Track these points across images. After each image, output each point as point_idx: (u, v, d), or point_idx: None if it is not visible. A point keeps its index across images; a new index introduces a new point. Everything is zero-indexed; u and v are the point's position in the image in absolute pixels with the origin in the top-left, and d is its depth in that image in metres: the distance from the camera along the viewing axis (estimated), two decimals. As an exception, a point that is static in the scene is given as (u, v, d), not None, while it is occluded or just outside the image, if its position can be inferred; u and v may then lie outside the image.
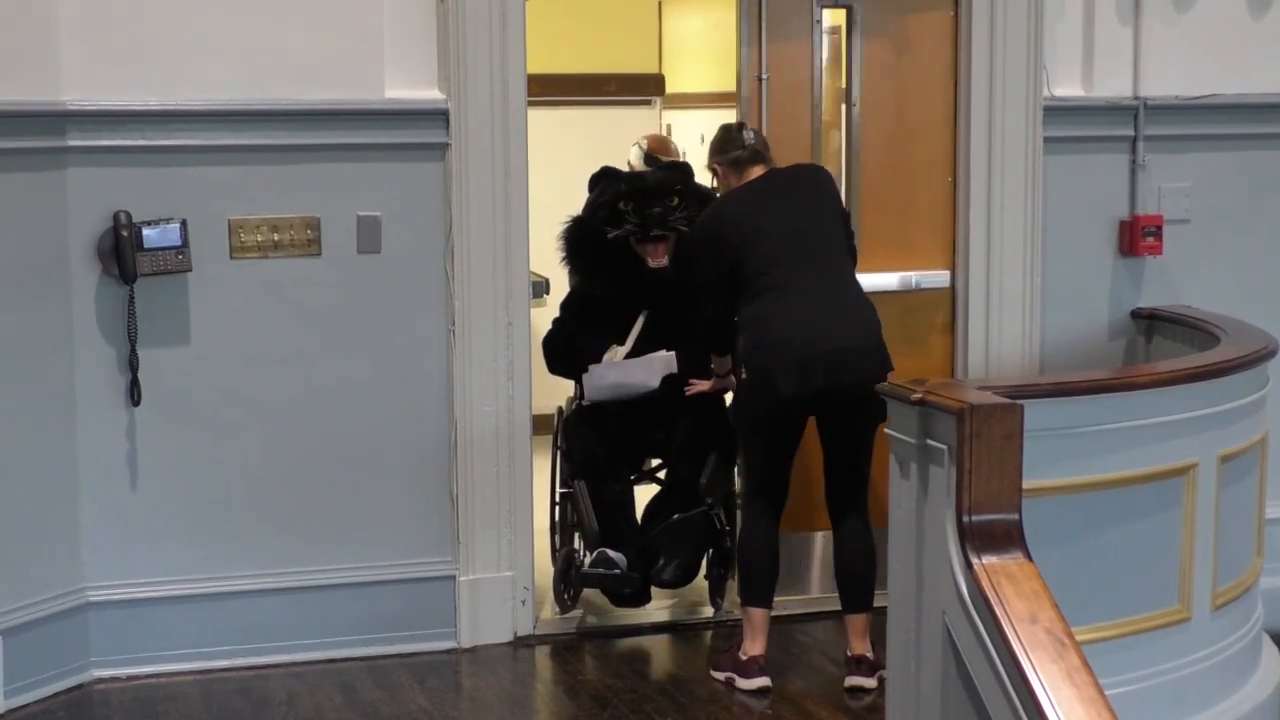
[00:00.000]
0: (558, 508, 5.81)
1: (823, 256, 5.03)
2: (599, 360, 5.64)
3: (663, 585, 5.46)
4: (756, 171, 5.17)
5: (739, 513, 5.46)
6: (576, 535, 5.66)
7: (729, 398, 5.54)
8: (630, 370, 5.60)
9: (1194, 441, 4.47)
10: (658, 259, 5.54)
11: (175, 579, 5.14)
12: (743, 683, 5.01)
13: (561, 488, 5.77)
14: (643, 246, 5.54)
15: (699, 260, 5.16)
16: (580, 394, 5.74)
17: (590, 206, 5.66)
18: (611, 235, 5.52)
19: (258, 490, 5.18)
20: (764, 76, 5.68)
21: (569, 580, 5.57)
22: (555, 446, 5.82)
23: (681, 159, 6.17)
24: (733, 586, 5.50)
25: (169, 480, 5.12)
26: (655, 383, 5.58)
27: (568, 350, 5.72)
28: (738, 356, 5.25)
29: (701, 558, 5.57)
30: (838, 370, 4.84)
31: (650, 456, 5.85)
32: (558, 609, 5.55)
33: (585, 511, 5.50)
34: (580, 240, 5.64)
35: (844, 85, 5.75)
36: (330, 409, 5.21)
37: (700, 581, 5.65)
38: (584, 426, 5.62)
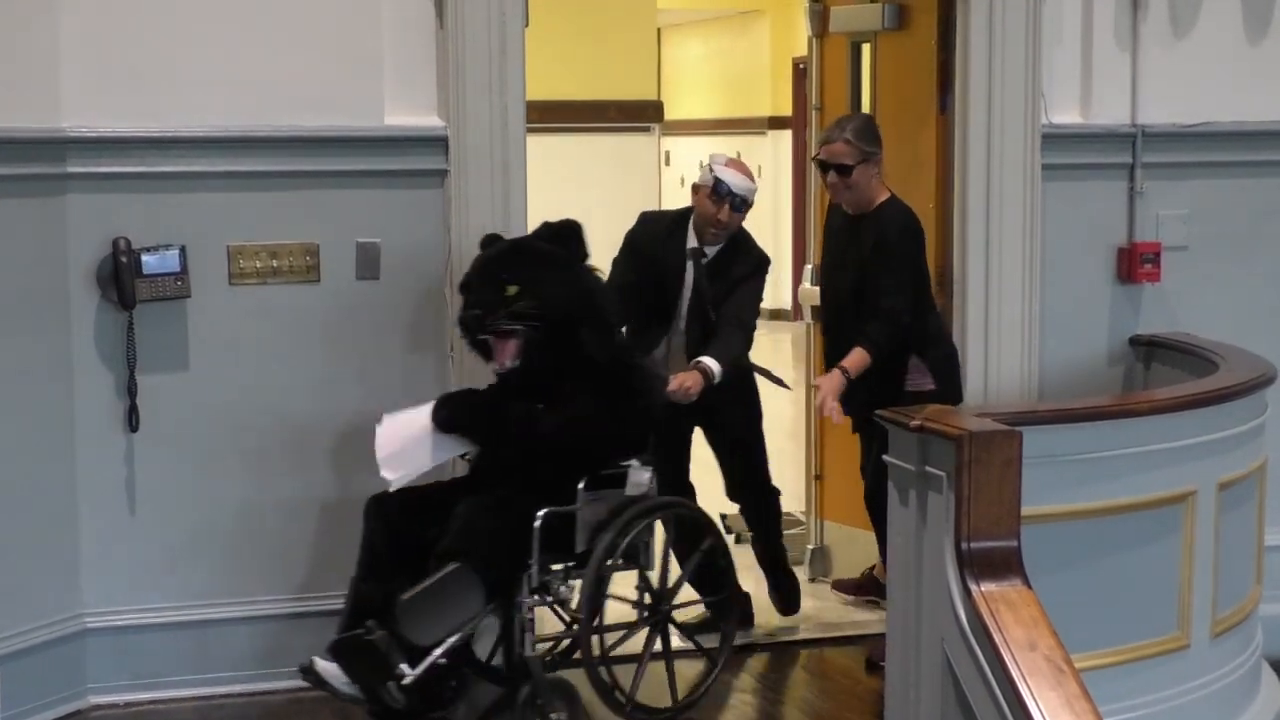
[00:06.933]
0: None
1: None
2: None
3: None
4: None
5: None
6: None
7: None
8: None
9: (1193, 468, 4.47)
10: (500, 359, 4.64)
11: (173, 605, 5.13)
12: None
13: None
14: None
15: (910, 255, 5.29)
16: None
17: None
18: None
19: (256, 516, 5.17)
20: (817, 106, 6.28)
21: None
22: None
23: (752, 187, 5.50)
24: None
25: (167, 506, 5.11)
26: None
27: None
28: (927, 363, 5.29)
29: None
30: None
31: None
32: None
33: None
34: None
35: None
36: (328, 435, 5.20)
37: None
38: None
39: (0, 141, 4.73)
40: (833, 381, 5.16)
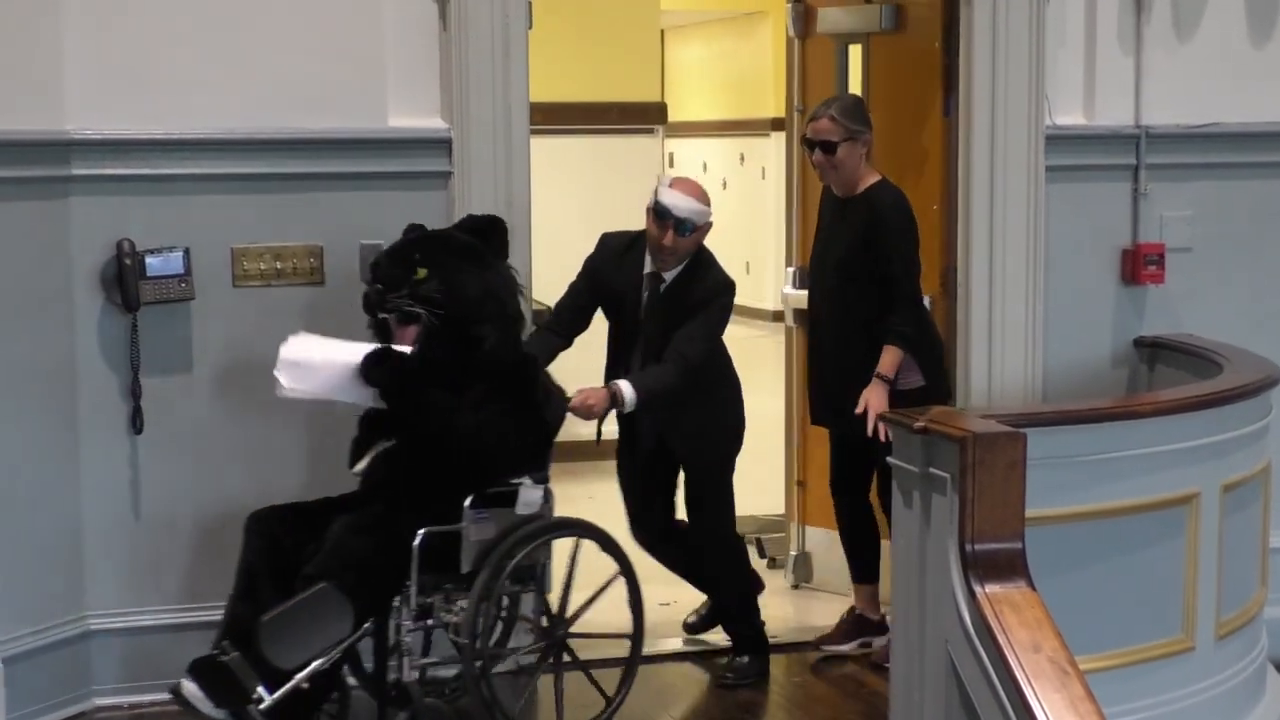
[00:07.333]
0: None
1: None
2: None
3: None
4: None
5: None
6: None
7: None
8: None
9: (1197, 470, 4.47)
10: (398, 344, 4.53)
11: (177, 607, 5.13)
12: None
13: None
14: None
15: (912, 243, 5.20)
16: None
17: None
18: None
19: (260, 518, 5.17)
20: (800, 108, 6.13)
21: None
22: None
23: (700, 209, 5.14)
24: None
25: (171, 508, 5.11)
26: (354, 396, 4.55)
27: None
28: (918, 359, 5.20)
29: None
30: None
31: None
32: None
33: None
34: None
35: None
36: (333, 437, 5.19)
37: None
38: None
39: (4, 144, 4.74)
40: (879, 396, 5.08)
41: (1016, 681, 3.61)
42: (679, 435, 5.25)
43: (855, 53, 6.11)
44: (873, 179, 5.33)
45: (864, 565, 5.53)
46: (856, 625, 5.55)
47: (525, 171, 5.29)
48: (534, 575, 4.62)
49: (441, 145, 5.20)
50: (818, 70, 6.20)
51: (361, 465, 4.63)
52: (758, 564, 6.34)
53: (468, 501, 4.46)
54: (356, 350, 4.50)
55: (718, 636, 5.54)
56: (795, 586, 6.24)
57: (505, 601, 4.63)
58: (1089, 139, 5.72)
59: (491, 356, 4.49)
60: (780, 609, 5.90)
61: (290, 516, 4.52)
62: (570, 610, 4.71)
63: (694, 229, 5.11)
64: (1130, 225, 5.79)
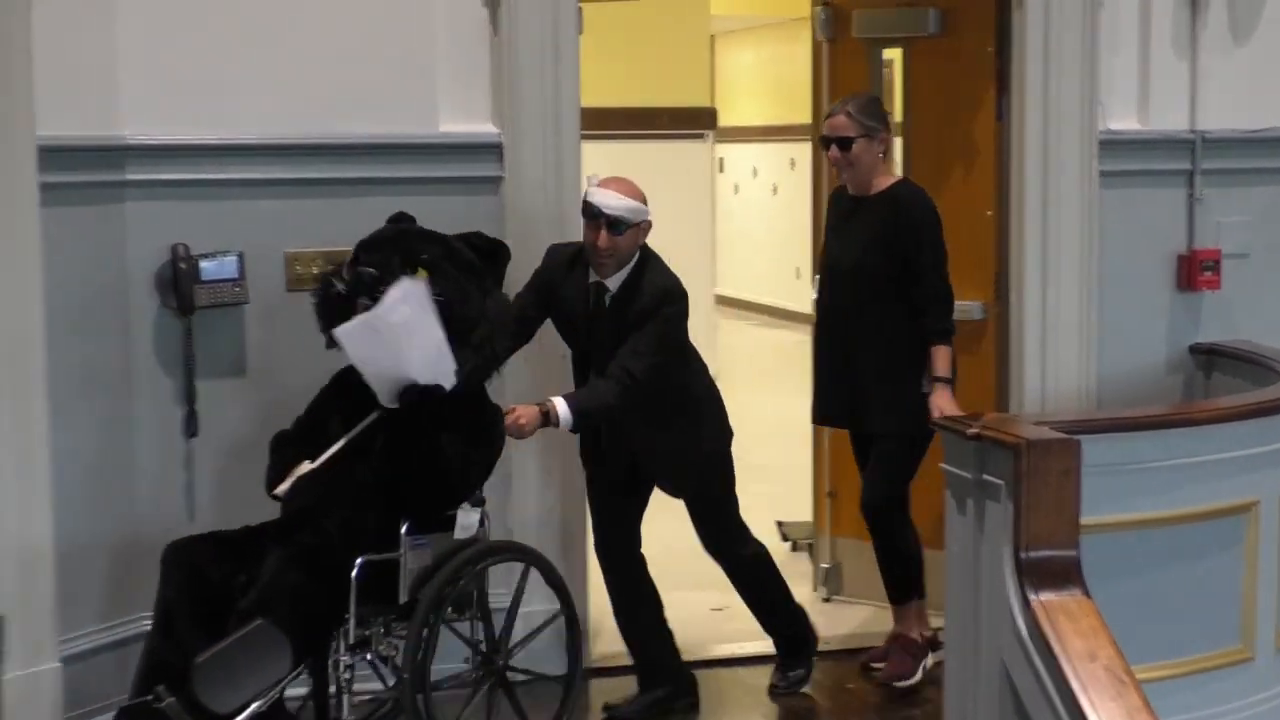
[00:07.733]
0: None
1: None
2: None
3: None
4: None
5: (896, 516, 5.16)
6: None
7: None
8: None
9: (1255, 479, 4.43)
10: None
11: (229, 610, 5.15)
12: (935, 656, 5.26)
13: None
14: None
15: (940, 239, 5.15)
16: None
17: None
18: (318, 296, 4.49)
19: (312, 522, 5.19)
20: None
21: None
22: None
23: (632, 205, 4.84)
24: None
25: (225, 512, 5.12)
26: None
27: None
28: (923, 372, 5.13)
29: None
30: None
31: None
32: None
33: None
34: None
35: (899, 119, 5.86)
36: (384, 441, 5.21)
37: None
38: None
39: (61, 149, 4.78)
40: (947, 400, 5.05)
41: (1072, 691, 3.58)
42: (657, 465, 4.99)
43: (890, 56, 5.99)
44: (893, 178, 5.29)
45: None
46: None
47: (576, 176, 5.30)
48: (472, 602, 4.47)
49: (492, 150, 5.22)
50: (850, 74, 5.98)
51: (284, 488, 4.46)
52: (806, 573, 6.29)
53: (404, 528, 4.31)
54: (419, 358, 4.30)
55: (766, 644, 5.52)
56: (827, 600, 6.13)
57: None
58: (1143, 144, 5.69)
59: (463, 382, 4.37)
60: (816, 620, 5.86)
61: (214, 546, 4.33)
62: (512, 640, 4.59)
63: (629, 227, 4.79)
64: (1186, 231, 5.75)
